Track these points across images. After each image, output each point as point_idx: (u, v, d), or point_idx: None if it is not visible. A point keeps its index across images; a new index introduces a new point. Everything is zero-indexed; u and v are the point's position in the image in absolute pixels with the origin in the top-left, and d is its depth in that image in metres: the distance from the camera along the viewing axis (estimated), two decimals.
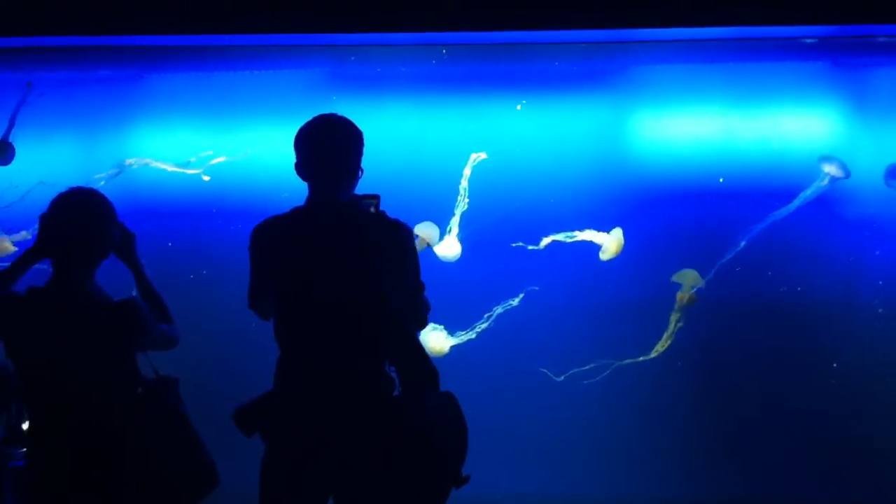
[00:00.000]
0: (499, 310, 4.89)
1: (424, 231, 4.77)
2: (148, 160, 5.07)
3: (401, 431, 2.76)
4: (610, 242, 4.79)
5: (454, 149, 5.05)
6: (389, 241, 2.92)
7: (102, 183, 4.94)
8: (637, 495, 4.99)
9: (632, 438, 4.98)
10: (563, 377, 4.90)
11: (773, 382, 4.97)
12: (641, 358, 4.90)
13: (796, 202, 4.87)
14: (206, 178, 5.03)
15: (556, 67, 5.08)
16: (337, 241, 2.88)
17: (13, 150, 4.96)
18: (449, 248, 4.85)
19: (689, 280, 4.82)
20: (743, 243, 4.87)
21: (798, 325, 4.96)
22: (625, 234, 4.86)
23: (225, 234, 5.00)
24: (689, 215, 5.03)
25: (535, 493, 4.96)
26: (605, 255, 4.82)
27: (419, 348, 2.86)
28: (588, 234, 4.84)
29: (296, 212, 2.95)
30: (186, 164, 5.04)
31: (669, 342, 4.87)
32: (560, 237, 4.86)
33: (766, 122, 5.07)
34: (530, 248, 4.86)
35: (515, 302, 4.88)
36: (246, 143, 5.08)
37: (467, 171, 4.87)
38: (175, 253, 5.08)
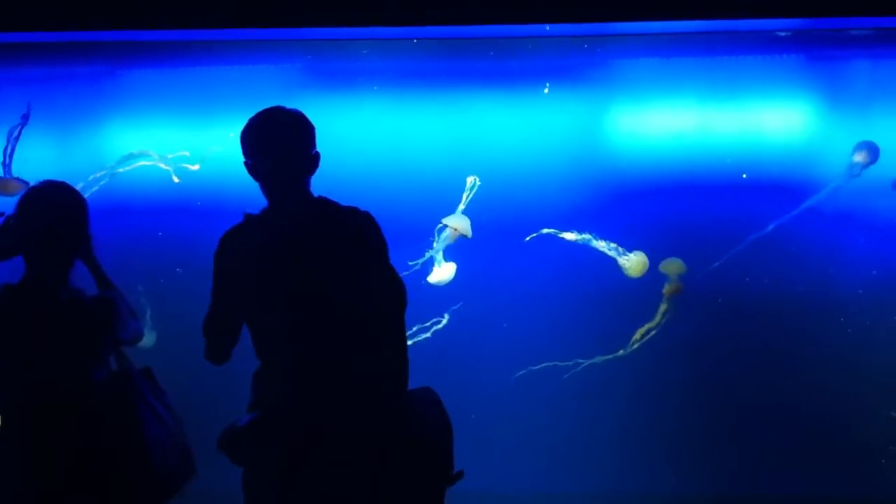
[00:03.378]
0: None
1: (456, 222, 4.72)
2: (151, 153, 5.02)
3: (399, 432, 2.73)
4: (635, 263, 4.79)
5: (431, 145, 5.05)
6: (368, 233, 2.83)
7: (103, 182, 4.91)
8: (625, 491, 5.01)
9: (617, 433, 5.00)
10: (515, 377, 4.93)
11: (759, 379, 5.01)
12: (621, 352, 4.91)
13: (821, 195, 4.89)
14: (176, 179, 5.00)
15: (532, 62, 5.08)
16: (321, 239, 2.79)
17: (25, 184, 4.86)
18: (440, 273, 4.81)
19: (673, 269, 4.84)
20: (774, 225, 4.89)
21: (776, 320, 4.98)
22: (602, 228, 4.87)
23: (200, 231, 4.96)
24: (666, 209, 5.04)
25: (527, 490, 4.97)
26: (631, 273, 4.83)
27: (403, 345, 2.82)
28: (603, 245, 4.85)
29: (267, 214, 2.85)
30: (183, 160, 4.99)
31: (654, 333, 4.89)
32: (574, 237, 4.87)
33: (741, 115, 5.09)
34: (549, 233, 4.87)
35: (444, 320, 4.88)
36: (222, 139, 5.05)
37: (465, 198, 4.87)
38: (151, 249, 5.06)
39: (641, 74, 5.15)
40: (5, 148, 4.78)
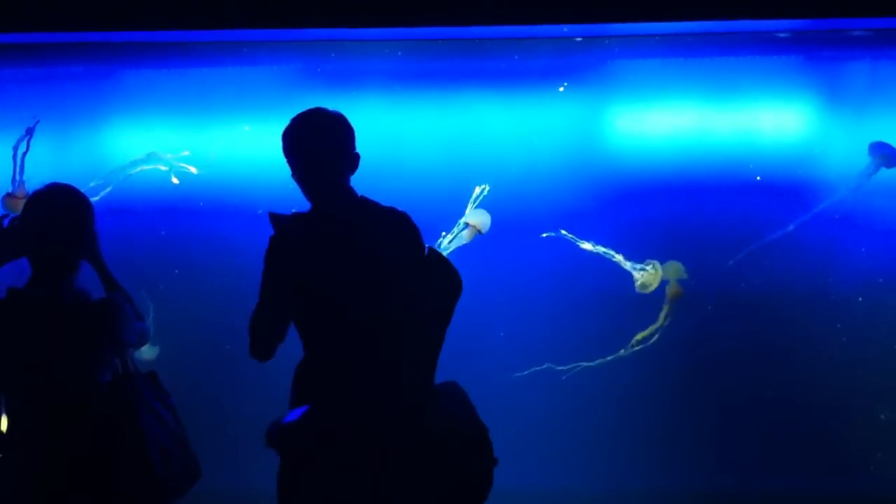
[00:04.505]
0: None
1: (476, 219, 4.70)
2: (163, 155, 5.00)
3: (437, 424, 2.80)
4: (651, 277, 4.78)
5: (430, 145, 5.04)
6: (412, 232, 2.95)
7: (109, 188, 4.91)
8: (621, 489, 5.02)
9: (619, 431, 5.01)
10: (515, 376, 4.94)
11: (755, 382, 5.01)
12: (622, 352, 4.91)
13: (837, 197, 4.88)
14: (175, 180, 4.99)
15: (532, 63, 5.08)
16: (370, 237, 2.85)
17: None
18: None
19: (673, 272, 4.83)
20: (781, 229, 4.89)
21: (775, 319, 4.98)
22: (600, 229, 4.88)
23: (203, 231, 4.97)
24: (665, 211, 5.04)
25: (526, 488, 4.96)
26: (644, 290, 4.82)
27: (441, 341, 2.91)
28: (620, 259, 4.84)
29: (314, 214, 2.89)
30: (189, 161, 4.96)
31: (656, 336, 4.88)
32: (590, 248, 4.86)
33: (741, 116, 5.09)
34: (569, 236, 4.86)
35: None
36: (220, 140, 5.04)
37: (470, 206, 4.85)
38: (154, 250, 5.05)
39: (640, 75, 5.14)
40: (13, 163, 4.74)
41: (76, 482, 2.82)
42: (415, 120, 5.12)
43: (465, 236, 4.73)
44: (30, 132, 4.71)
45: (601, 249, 4.86)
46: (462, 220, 4.78)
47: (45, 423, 2.83)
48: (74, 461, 2.82)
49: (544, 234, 4.87)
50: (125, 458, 2.85)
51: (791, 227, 4.87)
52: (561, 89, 5.04)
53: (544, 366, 4.92)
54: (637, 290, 4.83)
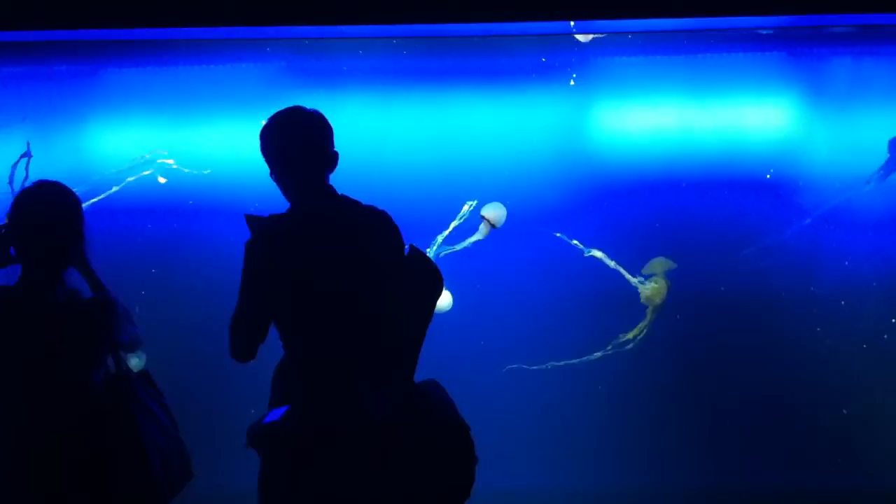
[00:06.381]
0: None
1: (491, 213, 4.68)
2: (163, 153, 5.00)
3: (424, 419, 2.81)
4: (654, 291, 4.79)
5: (414, 143, 5.04)
6: (392, 230, 2.92)
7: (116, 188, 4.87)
8: (606, 487, 5.03)
9: (604, 430, 5.02)
10: (504, 370, 4.95)
11: (742, 378, 5.04)
12: (609, 348, 4.92)
13: (845, 197, 4.90)
14: (161, 180, 4.97)
15: (516, 60, 5.08)
16: (351, 235, 2.84)
17: None
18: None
19: (660, 267, 4.84)
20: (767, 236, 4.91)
21: (758, 320, 5.02)
22: (584, 226, 4.88)
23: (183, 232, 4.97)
24: (648, 207, 5.06)
25: (513, 489, 4.98)
26: (651, 302, 4.82)
27: (423, 336, 2.89)
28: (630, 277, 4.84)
29: (294, 213, 2.88)
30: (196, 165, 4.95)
31: (646, 332, 4.90)
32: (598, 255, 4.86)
33: (724, 112, 5.12)
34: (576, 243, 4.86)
35: None
36: (203, 138, 5.03)
37: (458, 222, 4.85)
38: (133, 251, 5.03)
39: (624, 72, 5.16)
40: (10, 181, 4.70)
41: (74, 482, 2.80)
42: (400, 118, 5.12)
43: (481, 231, 4.72)
44: (26, 155, 4.69)
45: (612, 263, 4.86)
46: (466, 209, 4.78)
47: (42, 423, 2.82)
48: (72, 460, 2.81)
49: (557, 234, 4.89)
50: (123, 458, 2.84)
51: (807, 222, 4.89)
52: (571, 83, 5.04)
53: (527, 365, 4.94)
54: (643, 302, 4.85)
